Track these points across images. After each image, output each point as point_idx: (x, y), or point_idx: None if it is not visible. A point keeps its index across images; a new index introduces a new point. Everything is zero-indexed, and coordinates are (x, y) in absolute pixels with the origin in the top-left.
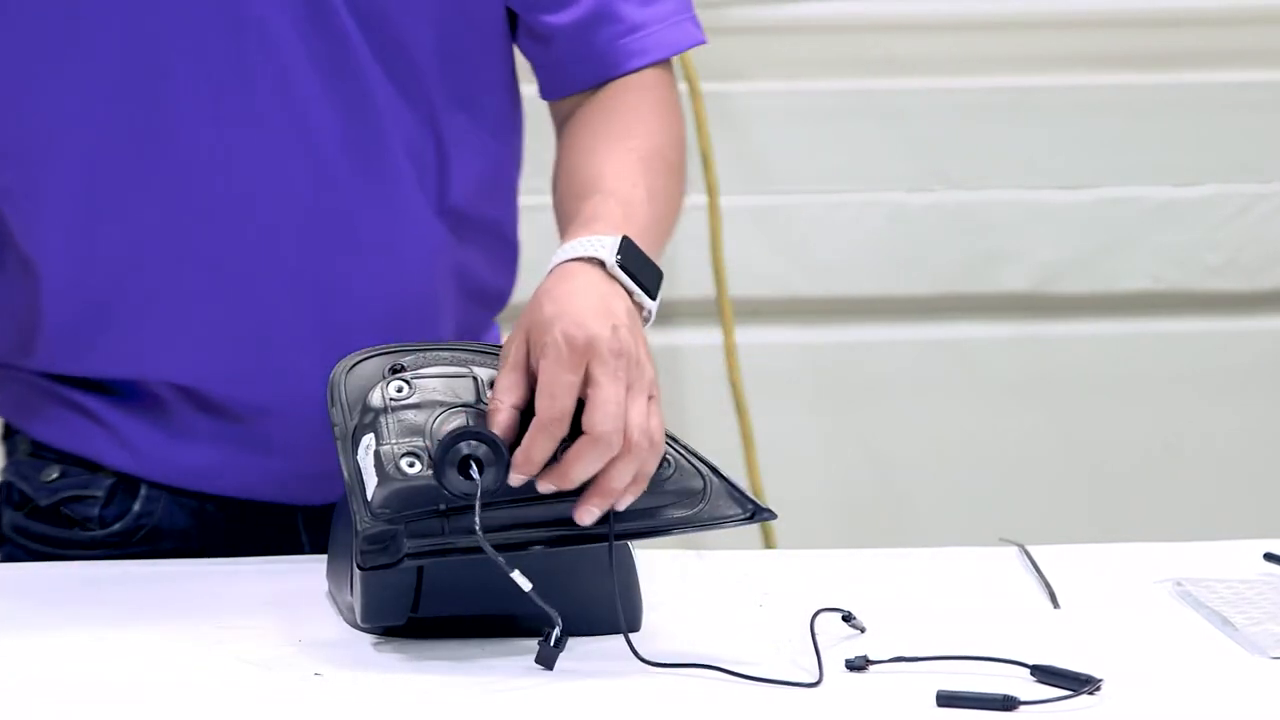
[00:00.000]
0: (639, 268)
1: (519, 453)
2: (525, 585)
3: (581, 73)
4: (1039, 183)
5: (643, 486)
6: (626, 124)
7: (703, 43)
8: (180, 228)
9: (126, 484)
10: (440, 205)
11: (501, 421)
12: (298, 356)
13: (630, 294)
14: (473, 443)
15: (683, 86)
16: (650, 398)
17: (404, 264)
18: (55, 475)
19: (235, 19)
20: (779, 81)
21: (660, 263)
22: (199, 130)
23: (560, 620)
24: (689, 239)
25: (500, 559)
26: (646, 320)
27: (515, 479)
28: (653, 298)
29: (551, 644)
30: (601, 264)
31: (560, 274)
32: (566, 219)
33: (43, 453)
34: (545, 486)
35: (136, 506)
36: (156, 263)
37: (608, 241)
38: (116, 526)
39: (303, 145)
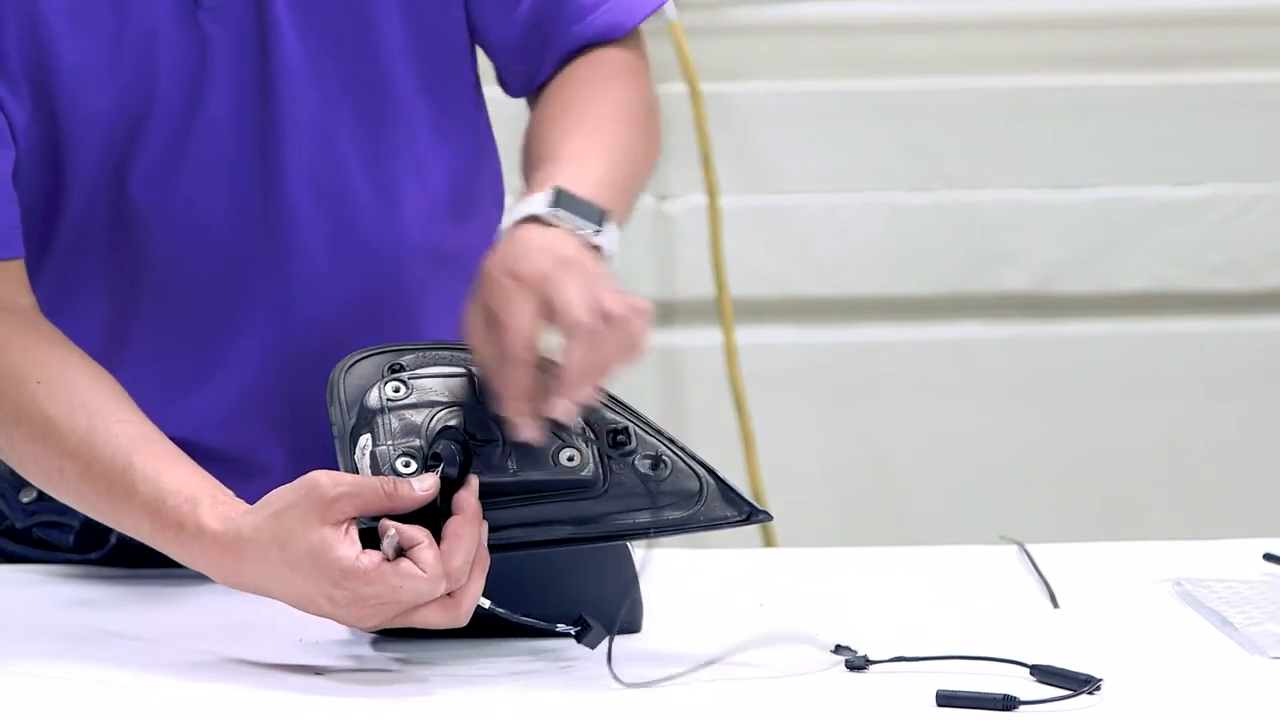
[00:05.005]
0: (576, 208)
1: (505, 397)
2: (484, 604)
3: (547, 60)
4: (1039, 182)
5: (639, 352)
6: (591, 94)
7: (663, 3)
8: (175, 283)
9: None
10: (423, 242)
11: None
12: (280, 400)
13: (577, 232)
14: (450, 445)
15: (682, 87)
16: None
17: (385, 310)
18: (33, 497)
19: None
20: (778, 82)
21: (628, 215)
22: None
23: (535, 624)
24: (689, 239)
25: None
26: (607, 258)
27: (526, 433)
28: (599, 232)
29: (585, 634)
30: (536, 219)
31: (499, 240)
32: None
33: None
34: (568, 412)
35: (113, 539)
36: (150, 318)
37: (539, 197)
38: (94, 555)
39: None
